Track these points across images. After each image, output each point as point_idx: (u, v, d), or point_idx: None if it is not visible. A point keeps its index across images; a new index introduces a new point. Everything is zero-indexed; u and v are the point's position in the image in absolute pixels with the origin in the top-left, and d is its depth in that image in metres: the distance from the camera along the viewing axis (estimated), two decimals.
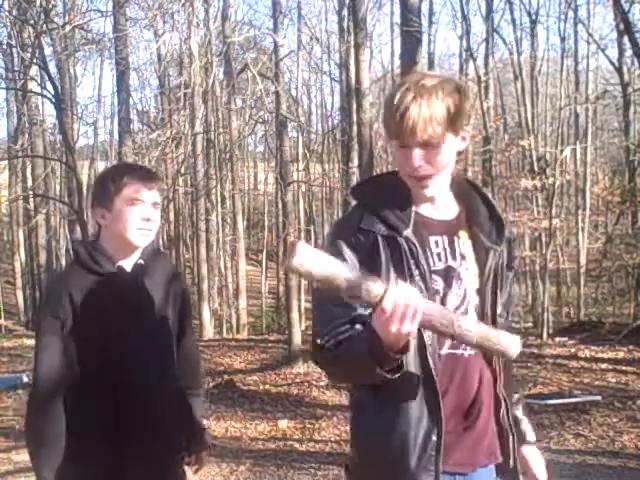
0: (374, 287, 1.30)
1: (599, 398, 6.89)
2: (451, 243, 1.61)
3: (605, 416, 6.42)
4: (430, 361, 1.53)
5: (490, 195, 1.72)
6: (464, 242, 1.63)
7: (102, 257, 2.00)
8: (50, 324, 1.97)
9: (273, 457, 5.64)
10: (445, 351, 1.58)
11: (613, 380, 7.91)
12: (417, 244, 1.56)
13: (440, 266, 1.59)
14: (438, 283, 1.58)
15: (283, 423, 6.66)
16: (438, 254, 1.60)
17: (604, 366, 8.58)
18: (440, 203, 1.64)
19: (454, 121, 1.53)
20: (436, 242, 1.61)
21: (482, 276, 1.62)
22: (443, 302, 1.57)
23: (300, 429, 6.47)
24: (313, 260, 1.28)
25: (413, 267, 1.54)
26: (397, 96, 1.52)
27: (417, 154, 1.53)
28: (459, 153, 1.63)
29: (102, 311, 1.95)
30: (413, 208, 1.60)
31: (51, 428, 1.92)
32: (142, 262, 2.07)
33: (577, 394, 7.06)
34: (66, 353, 1.95)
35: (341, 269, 1.30)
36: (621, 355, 9.15)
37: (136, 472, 1.99)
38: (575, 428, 6.13)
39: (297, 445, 6.03)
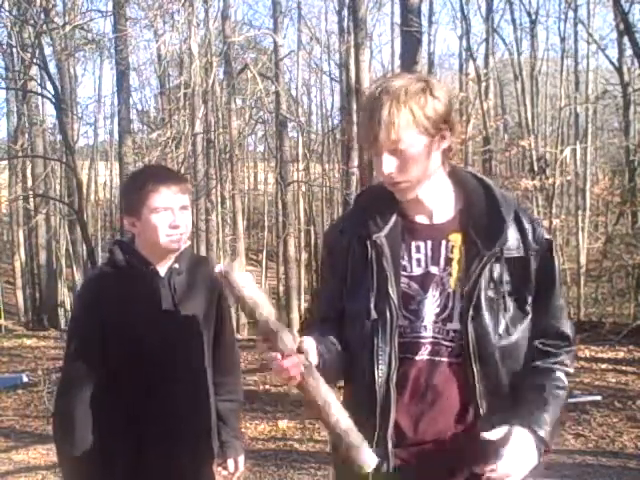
0: (286, 339, 1.40)
1: (599, 398, 6.89)
2: (436, 248, 1.58)
3: (605, 416, 6.42)
4: (377, 368, 1.54)
5: (497, 189, 1.59)
6: (454, 246, 1.57)
7: (136, 259, 2.00)
8: (80, 325, 2.00)
9: (273, 457, 5.64)
10: (422, 357, 1.57)
11: (613, 380, 7.90)
12: (387, 248, 1.56)
13: (418, 272, 1.57)
14: (414, 289, 1.57)
15: (283, 423, 6.66)
16: (418, 259, 1.58)
17: (604, 366, 8.58)
18: (431, 206, 1.59)
19: (422, 123, 1.49)
20: (417, 247, 1.59)
21: (466, 281, 1.53)
22: (420, 308, 1.56)
23: (300, 429, 6.46)
24: (249, 284, 1.40)
25: (376, 270, 1.56)
26: (366, 108, 1.52)
27: (386, 161, 1.51)
28: (447, 151, 1.57)
29: (129, 313, 1.96)
30: (395, 214, 1.60)
31: (75, 425, 1.94)
32: (177, 266, 2.05)
33: (577, 394, 7.04)
34: (94, 354, 1.96)
35: (267, 304, 1.40)
36: (621, 355, 9.15)
37: (154, 471, 2.00)
38: (575, 428, 6.13)
39: (297, 445, 6.03)
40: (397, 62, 16.39)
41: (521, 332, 1.56)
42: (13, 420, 7.46)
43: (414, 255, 1.58)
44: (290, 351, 1.39)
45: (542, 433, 1.53)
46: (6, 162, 19.76)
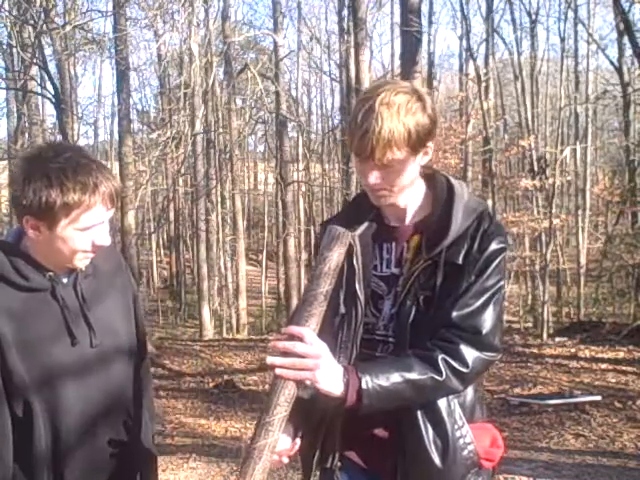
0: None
1: (599, 398, 6.89)
2: (398, 249, 1.63)
3: (605, 416, 6.42)
4: (338, 360, 1.56)
5: (461, 196, 1.60)
6: (412, 248, 1.62)
7: (28, 267, 1.53)
8: None
9: None
10: (381, 354, 1.61)
11: (613, 380, 7.91)
12: (358, 247, 1.61)
13: (386, 272, 1.63)
14: (382, 288, 1.62)
15: None
16: (387, 260, 1.64)
17: (604, 366, 8.58)
18: (405, 210, 1.64)
19: (415, 142, 1.51)
20: (387, 249, 1.65)
21: (405, 282, 1.58)
22: (383, 307, 1.62)
23: None
24: None
25: (347, 268, 1.60)
26: (360, 114, 1.50)
27: (374, 174, 1.54)
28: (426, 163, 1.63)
29: (29, 338, 1.51)
30: (371, 217, 1.66)
31: None
32: (82, 267, 1.60)
33: (577, 394, 7.05)
34: None
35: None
36: (621, 355, 9.15)
37: None
38: (575, 428, 6.13)
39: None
40: (397, 62, 16.40)
41: None
42: None
43: (384, 256, 1.65)
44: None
45: (365, 377, 1.42)
46: (6, 162, 19.74)
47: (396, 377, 1.43)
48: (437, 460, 1.52)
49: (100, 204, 1.49)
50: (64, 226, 1.48)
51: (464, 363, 1.48)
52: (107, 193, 1.50)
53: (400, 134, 1.48)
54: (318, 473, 1.69)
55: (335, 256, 1.47)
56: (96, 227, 1.52)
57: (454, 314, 1.50)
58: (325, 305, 1.44)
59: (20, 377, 1.50)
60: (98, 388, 1.61)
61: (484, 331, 1.50)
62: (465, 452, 1.55)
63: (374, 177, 1.54)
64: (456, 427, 1.55)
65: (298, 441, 1.57)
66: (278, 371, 1.36)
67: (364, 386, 1.41)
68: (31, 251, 1.55)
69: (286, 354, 1.36)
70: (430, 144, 1.56)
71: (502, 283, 1.57)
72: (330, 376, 1.39)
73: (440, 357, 1.47)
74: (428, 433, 1.53)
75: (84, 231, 1.50)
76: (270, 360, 1.37)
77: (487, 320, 1.51)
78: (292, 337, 1.37)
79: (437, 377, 1.45)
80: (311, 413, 1.62)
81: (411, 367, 1.45)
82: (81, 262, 1.56)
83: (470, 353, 1.49)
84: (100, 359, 1.61)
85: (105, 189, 1.49)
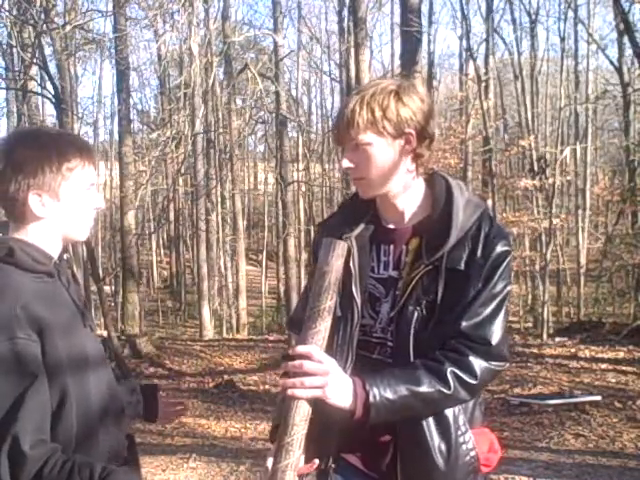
0: None
1: (599, 398, 6.89)
2: (397, 252, 1.62)
3: (605, 416, 6.42)
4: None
5: (460, 197, 1.58)
6: (412, 251, 1.60)
7: (39, 253, 1.50)
8: (10, 355, 1.38)
9: None
10: (378, 357, 1.60)
11: (613, 380, 7.91)
12: (355, 249, 1.60)
13: (384, 274, 1.62)
14: (380, 291, 1.62)
15: None
16: (385, 262, 1.63)
17: (604, 366, 8.58)
18: (403, 211, 1.62)
19: (381, 124, 1.52)
20: (385, 251, 1.63)
21: (405, 287, 1.56)
22: (380, 309, 1.61)
23: None
24: None
25: (343, 268, 1.57)
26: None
27: (346, 157, 1.57)
28: (419, 157, 1.57)
29: (61, 321, 1.49)
30: (369, 217, 1.65)
31: None
32: (67, 255, 1.61)
33: (577, 394, 7.06)
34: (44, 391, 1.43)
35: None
36: (621, 355, 9.15)
37: None
38: (575, 428, 6.13)
39: None
40: (397, 62, 16.40)
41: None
42: None
43: (382, 258, 1.63)
44: None
45: (373, 391, 1.42)
46: None
47: (404, 390, 1.44)
48: (442, 465, 1.52)
49: (91, 164, 1.54)
50: (66, 191, 1.50)
51: (473, 375, 1.48)
52: (93, 153, 1.57)
53: (362, 114, 1.51)
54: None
55: (334, 270, 1.46)
56: (92, 188, 1.55)
57: (464, 324, 1.49)
58: (330, 320, 1.44)
59: (59, 359, 1.48)
60: (106, 371, 1.63)
61: (494, 342, 1.51)
62: (467, 458, 1.55)
63: (346, 160, 1.57)
64: (459, 433, 1.54)
65: (316, 461, 1.55)
66: (290, 392, 1.38)
67: (372, 400, 1.42)
68: (34, 241, 1.52)
69: (296, 374, 1.38)
70: (409, 131, 1.53)
71: (509, 288, 1.56)
72: (339, 391, 1.41)
73: (449, 370, 1.47)
74: (433, 438, 1.52)
75: (85, 193, 1.53)
76: (282, 382, 1.40)
77: (497, 330, 1.51)
78: (300, 356, 1.39)
79: (445, 390, 1.46)
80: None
81: (419, 380, 1.45)
82: (86, 230, 1.58)
83: (479, 364, 1.49)
84: (99, 345, 1.63)
85: (90, 149, 1.57)
